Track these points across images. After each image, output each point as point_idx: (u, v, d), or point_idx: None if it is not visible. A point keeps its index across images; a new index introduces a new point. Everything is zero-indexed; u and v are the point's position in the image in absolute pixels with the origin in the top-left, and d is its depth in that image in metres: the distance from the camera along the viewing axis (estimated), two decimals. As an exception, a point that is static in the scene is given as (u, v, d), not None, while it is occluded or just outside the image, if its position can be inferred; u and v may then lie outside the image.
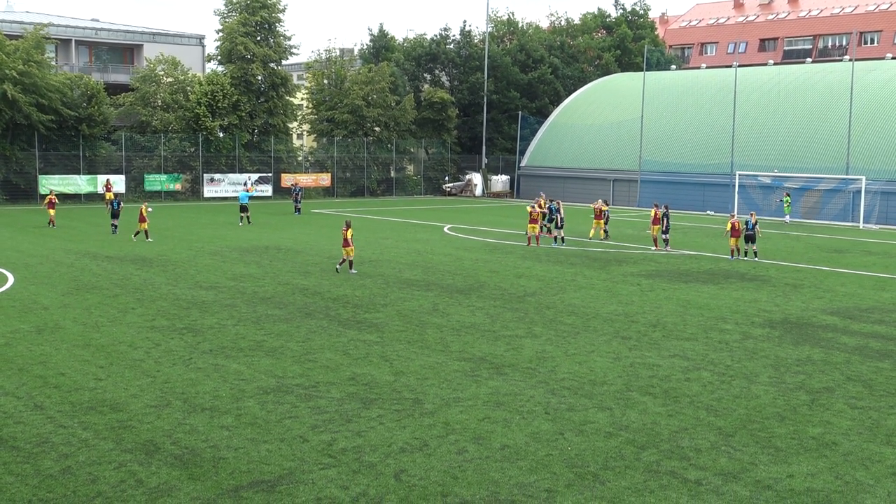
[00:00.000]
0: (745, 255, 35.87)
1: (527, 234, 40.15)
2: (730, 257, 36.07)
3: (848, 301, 26.40)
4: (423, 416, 14.63)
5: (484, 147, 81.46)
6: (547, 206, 42.44)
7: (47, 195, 47.96)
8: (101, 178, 62.85)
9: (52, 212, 45.39)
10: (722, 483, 11.97)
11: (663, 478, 12.13)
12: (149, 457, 12.68)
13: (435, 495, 11.44)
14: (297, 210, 56.11)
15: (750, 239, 35.60)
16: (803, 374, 17.67)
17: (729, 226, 36.31)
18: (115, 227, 42.41)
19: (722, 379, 17.25)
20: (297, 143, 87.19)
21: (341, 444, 13.25)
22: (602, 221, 42.03)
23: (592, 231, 42.26)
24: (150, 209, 40.89)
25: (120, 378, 16.75)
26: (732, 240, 36.14)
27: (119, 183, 63.83)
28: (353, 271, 30.50)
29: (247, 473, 12.10)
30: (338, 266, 30.91)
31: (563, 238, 39.92)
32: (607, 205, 43.82)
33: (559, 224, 39.95)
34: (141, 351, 18.97)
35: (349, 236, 30.07)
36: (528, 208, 39.86)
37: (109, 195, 50.58)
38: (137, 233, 39.70)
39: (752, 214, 36.86)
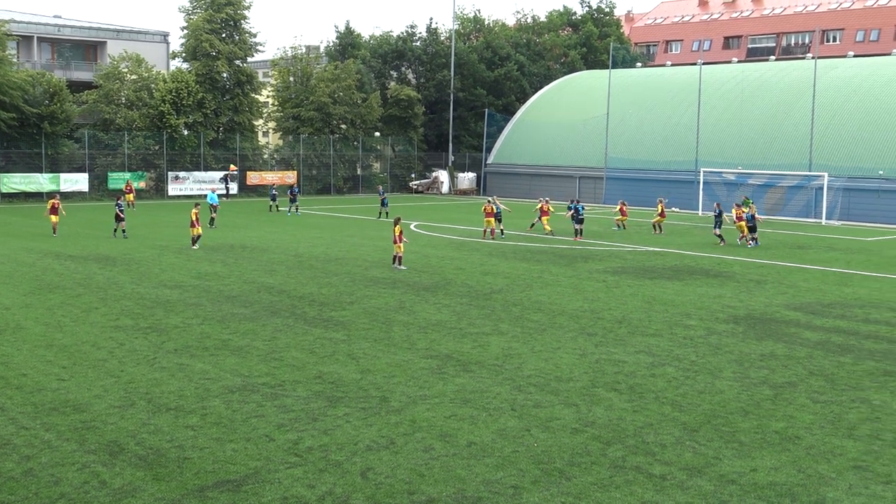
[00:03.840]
0: (740, 241, 39.78)
1: (483, 228, 41.86)
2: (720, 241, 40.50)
3: (811, 296, 26.69)
4: (390, 414, 14.62)
5: (450, 144, 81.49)
6: (570, 205, 43.83)
7: (50, 200, 41.93)
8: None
9: (54, 218, 40.51)
10: (687, 478, 12.06)
11: (629, 473, 12.21)
12: (113, 457, 12.56)
13: (401, 493, 11.44)
14: (271, 208, 55.84)
15: (752, 229, 39.47)
16: (767, 369, 17.85)
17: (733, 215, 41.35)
18: (124, 230, 39.97)
19: (686, 374, 17.38)
20: (262, 140, 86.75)
21: (307, 443, 13.21)
22: (546, 218, 44.02)
23: (547, 225, 43.93)
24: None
25: (83, 378, 16.59)
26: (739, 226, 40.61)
27: (83, 182, 63.21)
28: (401, 267, 30.99)
29: (212, 473, 12.03)
30: (398, 265, 31.34)
31: (502, 230, 41.87)
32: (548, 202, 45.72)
33: (500, 217, 41.56)
34: (104, 351, 18.80)
35: (398, 232, 30.79)
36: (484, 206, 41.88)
37: (129, 197, 49.12)
38: (197, 238, 36.33)
39: (750, 207, 40.96)
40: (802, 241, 42.92)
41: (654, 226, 45.46)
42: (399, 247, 31.17)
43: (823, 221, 53.88)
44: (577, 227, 41.71)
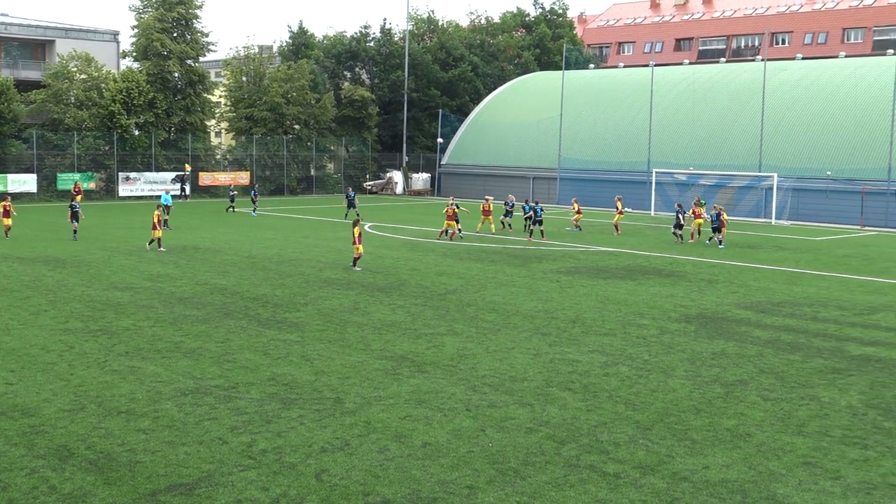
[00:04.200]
0: (709, 241, 40.59)
1: (442, 229, 41.67)
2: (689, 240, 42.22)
3: (761, 295, 27.04)
4: (345, 416, 14.57)
5: (404, 145, 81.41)
6: (524, 205, 45.32)
7: (2, 203, 40.16)
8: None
9: (7, 221, 39.20)
10: (640, 476, 12.16)
11: (583, 472, 12.27)
12: (62, 462, 12.38)
13: (356, 495, 11.40)
14: (230, 209, 55.37)
15: (715, 230, 40.14)
16: (718, 368, 18.05)
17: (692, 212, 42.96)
18: (75, 232, 39.10)
19: (640, 373, 17.52)
20: (215, 141, 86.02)
21: (261, 445, 13.12)
22: (489, 217, 44.70)
23: (480, 225, 44.93)
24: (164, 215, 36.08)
25: (32, 382, 16.33)
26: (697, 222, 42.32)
27: (31, 182, 62.22)
28: (356, 268, 30.88)
29: (164, 477, 11.90)
30: (355, 267, 31.19)
31: (460, 230, 41.74)
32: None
33: (457, 218, 41.68)
34: (54, 354, 18.52)
35: (356, 234, 30.72)
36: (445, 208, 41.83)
37: (78, 198, 48.00)
38: (151, 241, 35.71)
39: (714, 207, 41.58)
40: (753, 240, 43.47)
41: (615, 226, 45.60)
42: (357, 248, 31.11)
43: (773, 221, 54.62)
44: (538, 228, 41.83)
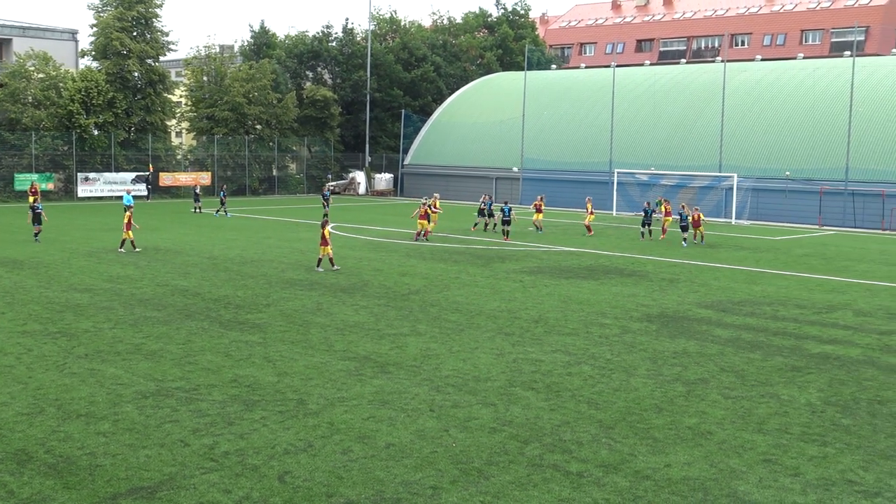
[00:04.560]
0: (685, 242, 40.85)
1: (417, 230, 41.48)
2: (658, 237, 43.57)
3: (721, 294, 27.29)
4: (308, 417, 14.51)
5: (367, 145, 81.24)
6: (485, 203, 46.67)
7: None
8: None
9: None
10: (603, 475, 12.22)
11: (546, 471, 12.31)
12: (21, 466, 12.21)
13: (320, 496, 11.35)
14: (197, 209, 55.02)
15: (684, 229, 40.92)
16: (679, 367, 18.19)
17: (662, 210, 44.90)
18: (36, 234, 38.21)
19: (602, 372, 17.61)
20: (175, 141, 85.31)
21: (223, 448, 13.03)
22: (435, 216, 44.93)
23: (431, 225, 44.15)
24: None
25: (-11, 385, 16.10)
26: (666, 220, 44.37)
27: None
28: (318, 269, 30.66)
29: (125, 480, 11.78)
30: (318, 268, 30.95)
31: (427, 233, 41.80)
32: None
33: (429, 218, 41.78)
34: (11, 357, 18.26)
35: (326, 234, 30.54)
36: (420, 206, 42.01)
37: (37, 198, 47.29)
38: (133, 242, 35.20)
39: (683, 207, 42.81)
40: (713, 240, 43.83)
41: (587, 227, 45.50)
42: (325, 249, 30.90)
43: (733, 221, 55.14)
44: (506, 227, 41.93)
